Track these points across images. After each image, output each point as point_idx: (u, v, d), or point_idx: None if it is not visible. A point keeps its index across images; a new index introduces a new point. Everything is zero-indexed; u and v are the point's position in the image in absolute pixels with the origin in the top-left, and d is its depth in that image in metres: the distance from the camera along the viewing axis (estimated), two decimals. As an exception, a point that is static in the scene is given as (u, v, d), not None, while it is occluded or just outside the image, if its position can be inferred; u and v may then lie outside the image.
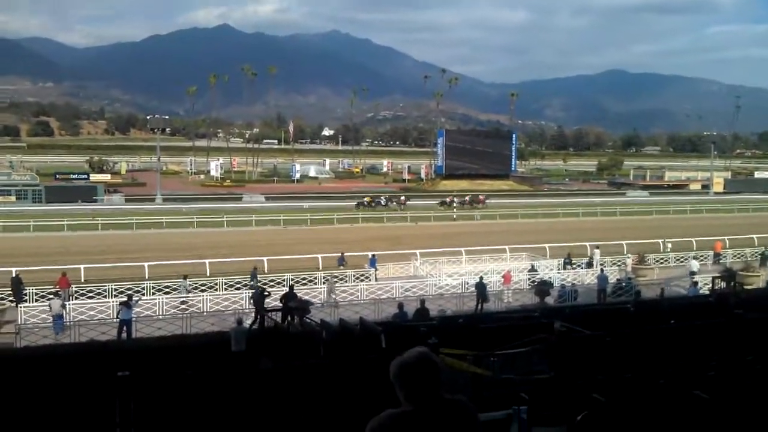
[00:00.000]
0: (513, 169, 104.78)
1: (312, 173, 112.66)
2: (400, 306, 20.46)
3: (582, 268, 33.63)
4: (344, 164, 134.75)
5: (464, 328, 15.67)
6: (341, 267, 32.93)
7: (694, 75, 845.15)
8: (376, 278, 30.92)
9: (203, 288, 27.51)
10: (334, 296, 26.99)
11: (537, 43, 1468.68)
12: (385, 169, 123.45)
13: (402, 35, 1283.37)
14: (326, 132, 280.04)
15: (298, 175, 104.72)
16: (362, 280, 29.69)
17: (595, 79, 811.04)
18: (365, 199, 70.21)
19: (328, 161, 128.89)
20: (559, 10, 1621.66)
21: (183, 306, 24.89)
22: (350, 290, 28.39)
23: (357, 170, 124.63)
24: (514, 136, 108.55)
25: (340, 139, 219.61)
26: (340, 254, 34.22)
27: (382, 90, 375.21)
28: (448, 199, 71.66)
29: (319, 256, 34.22)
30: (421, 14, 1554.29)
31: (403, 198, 73.30)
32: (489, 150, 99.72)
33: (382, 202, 70.62)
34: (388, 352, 10.75)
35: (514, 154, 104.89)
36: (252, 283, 28.04)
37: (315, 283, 29.15)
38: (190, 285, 26.73)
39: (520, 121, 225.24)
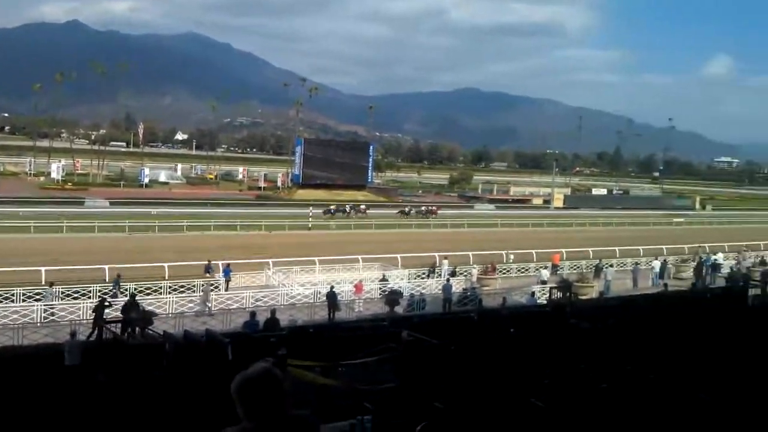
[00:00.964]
0: (369, 180, 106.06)
1: (162, 178, 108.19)
2: (252, 315, 20.15)
3: (438, 277, 34.61)
4: (197, 170, 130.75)
5: (314, 338, 15.64)
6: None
7: (541, 96, 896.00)
8: (227, 288, 30.28)
9: (38, 297, 25.79)
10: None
11: (397, 58, 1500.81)
12: (240, 176, 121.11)
13: (263, 41, 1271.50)
14: (180, 136, 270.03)
15: (146, 180, 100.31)
16: (212, 290, 28.91)
17: (450, 96, 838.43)
18: (331, 207, 73.51)
19: (180, 166, 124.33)
20: (420, 27, 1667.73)
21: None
22: (198, 300, 27.64)
23: (211, 176, 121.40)
24: (371, 147, 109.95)
25: (194, 144, 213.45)
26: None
27: (240, 95, 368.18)
28: (407, 209, 77.47)
29: (166, 264, 32.97)
30: (284, 22, 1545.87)
31: (363, 207, 77.43)
32: (347, 161, 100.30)
33: (346, 209, 74.73)
34: (235, 364, 10.52)
35: (371, 165, 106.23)
36: (114, 290, 26.82)
37: (160, 293, 28.18)
38: (56, 291, 25.29)
39: (378, 134, 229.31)
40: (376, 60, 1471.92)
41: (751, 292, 28.67)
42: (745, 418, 5.37)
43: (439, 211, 78.26)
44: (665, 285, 32.52)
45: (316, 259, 36.42)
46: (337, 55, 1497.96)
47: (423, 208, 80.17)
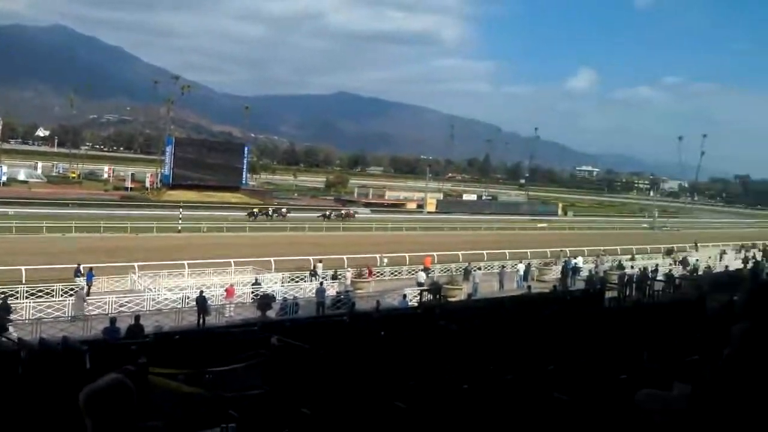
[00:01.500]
0: (244, 182, 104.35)
1: (21, 176, 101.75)
2: (112, 321, 19.20)
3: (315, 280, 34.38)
4: (59, 168, 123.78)
5: (180, 345, 15.06)
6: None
7: (417, 103, 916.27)
8: (88, 293, 28.73)
9: None
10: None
11: (274, 59, 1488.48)
12: (105, 175, 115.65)
13: (133, 36, 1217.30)
14: (41, 132, 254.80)
15: (4, 178, 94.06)
16: (71, 295, 27.33)
17: (328, 100, 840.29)
18: (254, 210, 77.26)
19: (40, 164, 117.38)
20: (297, 29, 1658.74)
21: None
22: (57, 306, 26.07)
23: (73, 175, 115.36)
24: (246, 149, 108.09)
25: (56, 140, 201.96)
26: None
27: (107, 91, 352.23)
28: (327, 213, 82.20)
29: (23, 268, 30.96)
30: (155, 16, 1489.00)
31: (284, 210, 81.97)
32: (220, 161, 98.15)
33: (269, 212, 79.17)
34: (93, 373, 9.94)
35: (245, 167, 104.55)
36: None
37: (16, 298, 26.37)
38: None
39: (253, 135, 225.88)
40: (252, 60, 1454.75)
41: (608, 294, 30.49)
42: (599, 416, 5.59)
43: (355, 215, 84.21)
44: (529, 287, 33.93)
45: (185, 262, 35.27)
46: (211, 53, 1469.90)
47: (343, 211, 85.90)
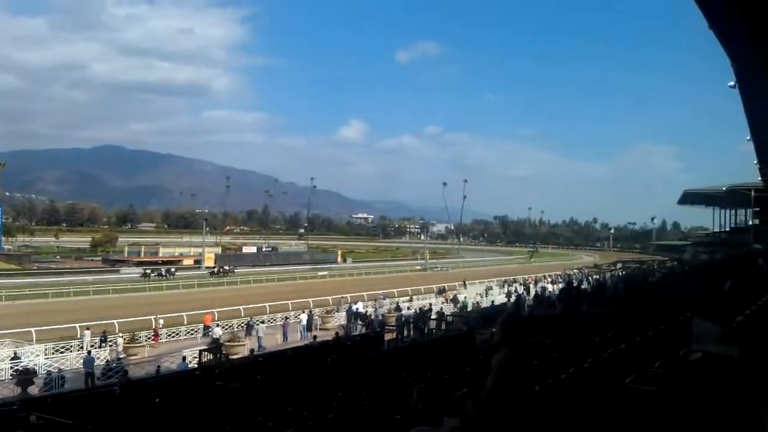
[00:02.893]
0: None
1: None
2: None
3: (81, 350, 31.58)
4: None
5: None
6: None
7: (190, 155, 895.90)
8: None
9: None
10: None
11: (31, 112, 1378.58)
12: None
13: None
14: None
15: None
16: None
17: (91, 153, 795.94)
18: (147, 270, 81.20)
19: None
20: (56, 80, 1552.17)
21: None
22: None
23: None
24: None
25: None
26: None
27: None
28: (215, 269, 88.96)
29: None
30: None
31: (173, 269, 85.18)
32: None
33: (162, 272, 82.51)
34: None
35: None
36: None
37: None
38: None
39: (8, 194, 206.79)
40: (4, 113, 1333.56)
41: (387, 336, 31.45)
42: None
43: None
44: (314, 337, 33.92)
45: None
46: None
47: (227, 267, 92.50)
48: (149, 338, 35.82)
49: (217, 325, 37.20)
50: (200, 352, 27.74)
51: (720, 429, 3.55)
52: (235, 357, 28.02)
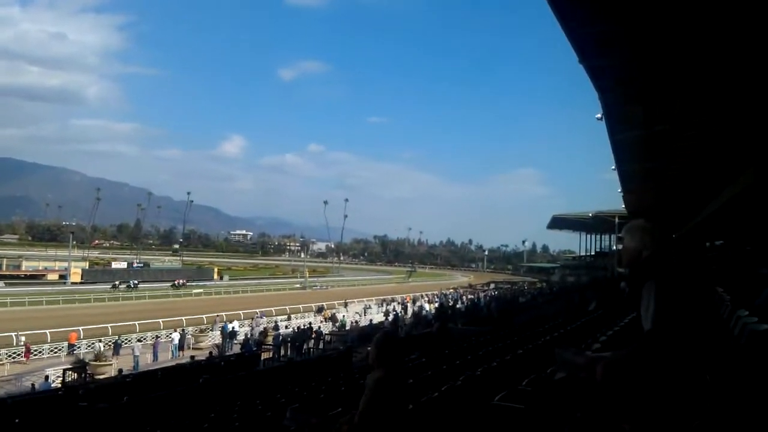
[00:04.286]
0: None
1: None
2: None
3: None
4: None
5: None
6: None
7: (59, 164, 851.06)
8: None
9: None
10: None
11: None
12: None
13: None
14: None
15: None
16: None
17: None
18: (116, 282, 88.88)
19: None
20: None
21: None
22: None
23: None
24: None
25: None
26: None
27: None
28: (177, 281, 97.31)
29: None
30: None
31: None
32: None
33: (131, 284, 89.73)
34: None
35: None
36: None
37: None
38: None
39: None
40: None
41: (264, 355, 30.96)
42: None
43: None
44: (192, 357, 32.76)
45: None
46: None
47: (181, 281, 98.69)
48: (19, 355, 33.95)
49: (87, 345, 35.37)
50: (64, 371, 26.31)
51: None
52: (101, 377, 26.76)
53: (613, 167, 27.38)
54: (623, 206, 44.31)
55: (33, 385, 24.68)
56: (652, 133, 18.90)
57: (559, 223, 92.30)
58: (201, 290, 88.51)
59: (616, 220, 63.71)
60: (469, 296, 78.28)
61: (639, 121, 17.72)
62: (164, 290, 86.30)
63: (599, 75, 14.06)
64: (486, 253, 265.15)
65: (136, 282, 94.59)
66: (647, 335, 3.08)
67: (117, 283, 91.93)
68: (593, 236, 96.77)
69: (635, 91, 15.30)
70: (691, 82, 13.74)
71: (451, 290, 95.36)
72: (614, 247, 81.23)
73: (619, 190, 35.29)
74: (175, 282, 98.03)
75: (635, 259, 3.42)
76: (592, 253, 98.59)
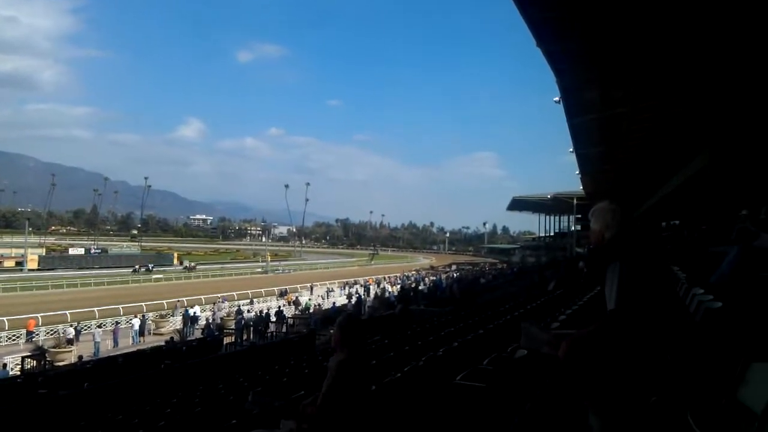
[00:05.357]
0: None
1: None
2: None
3: None
4: None
5: None
6: None
7: (11, 150, 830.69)
8: None
9: None
10: None
11: None
12: None
13: None
14: None
15: None
16: None
17: None
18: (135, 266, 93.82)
19: None
20: None
21: None
22: None
23: None
24: None
25: None
26: None
27: None
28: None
29: None
30: None
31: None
32: None
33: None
34: None
35: None
36: None
37: None
38: None
39: None
40: None
41: (226, 340, 30.79)
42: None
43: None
44: (165, 341, 32.33)
45: None
46: None
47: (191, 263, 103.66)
48: None
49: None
50: (23, 358, 25.86)
51: (547, 424, 3.77)
52: (61, 364, 26.37)
53: (571, 150, 27.69)
54: (581, 188, 44.90)
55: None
56: (609, 116, 19.14)
57: (518, 204, 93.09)
58: (160, 276, 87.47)
59: (575, 201, 64.58)
60: (432, 278, 78.68)
61: (596, 103, 17.91)
62: (124, 276, 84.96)
63: (556, 58, 14.14)
64: (447, 235, 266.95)
65: (152, 266, 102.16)
66: (611, 314, 3.12)
67: (137, 267, 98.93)
68: (552, 217, 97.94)
69: (592, 75, 15.44)
70: (647, 64, 13.92)
71: (414, 272, 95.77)
72: (572, 228, 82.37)
73: (577, 172, 35.72)
74: (186, 265, 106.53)
75: (599, 240, 3.46)
76: (552, 234, 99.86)
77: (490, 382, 5.18)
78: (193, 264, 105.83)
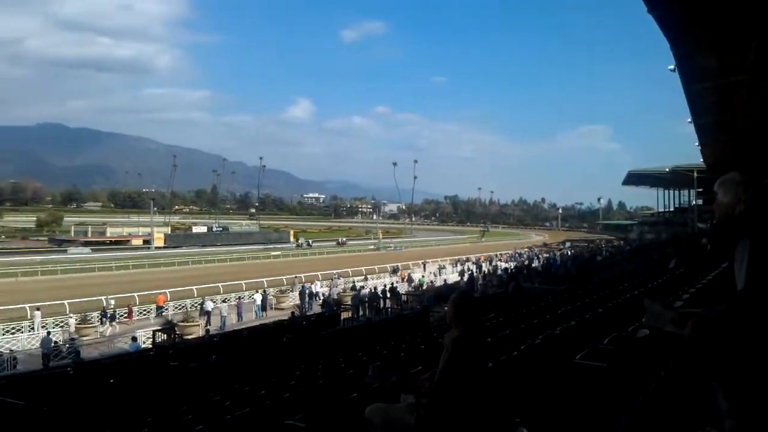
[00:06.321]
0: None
1: None
2: None
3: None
4: None
5: None
6: None
7: (133, 133, 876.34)
8: None
9: None
10: None
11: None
12: None
13: None
14: None
15: None
16: None
17: (32, 131, 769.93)
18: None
19: None
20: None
21: None
22: None
23: None
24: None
25: None
26: None
27: None
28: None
29: None
30: None
31: None
32: None
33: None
34: None
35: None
36: None
37: None
38: None
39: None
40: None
41: (344, 315, 31.57)
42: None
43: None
44: (292, 314, 33.62)
45: None
46: None
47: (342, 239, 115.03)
48: (123, 315, 36.21)
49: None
50: (154, 332, 27.49)
51: (672, 405, 3.71)
52: (189, 337, 27.86)
53: (689, 120, 26.43)
54: (701, 160, 42.76)
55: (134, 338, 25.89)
56: (727, 84, 18.13)
57: (635, 179, 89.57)
58: (279, 252, 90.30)
59: (695, 174, 61.50)
60: (545, 255, 77.28)
61: (713, 71, 17.01)
62: (245, 252, 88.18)
63: (669, 25, 13.51)
64: (560, 211, 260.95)
65: (310, 242, 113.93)
66: (741, 294, 3.01)
67: (300, 242, 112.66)
68: (671, 192, 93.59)
69: (708, 41, 14.66)
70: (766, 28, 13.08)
71: (526, 249, 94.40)
72: (693, 203, 78.60)
73: (697, 144, 34.06)
74: (338, 240, 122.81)
75: (728, 214, 3.29)
76: (671, 209, 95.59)
77: (611, 361, 5.12)
78: (344, 239, 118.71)
